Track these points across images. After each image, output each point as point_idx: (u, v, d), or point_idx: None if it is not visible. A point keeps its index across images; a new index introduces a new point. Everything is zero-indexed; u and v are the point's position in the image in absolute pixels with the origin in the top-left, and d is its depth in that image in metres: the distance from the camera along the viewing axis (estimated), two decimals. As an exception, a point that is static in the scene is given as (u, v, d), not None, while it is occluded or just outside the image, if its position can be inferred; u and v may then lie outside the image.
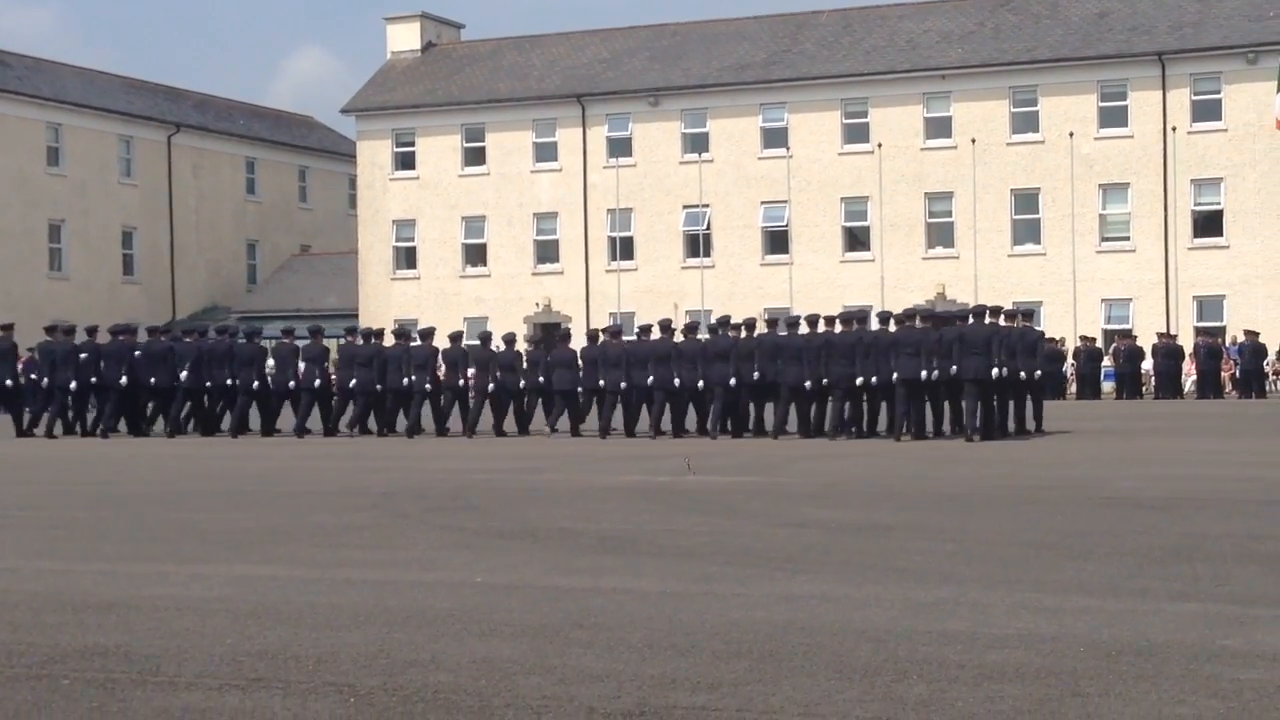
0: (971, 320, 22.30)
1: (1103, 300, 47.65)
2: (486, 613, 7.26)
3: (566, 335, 27.01)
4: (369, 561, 9.28)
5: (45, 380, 26.14)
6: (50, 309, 55.84)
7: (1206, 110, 47.13)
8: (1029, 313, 24.02)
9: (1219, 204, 47.03)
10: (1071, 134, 47.73)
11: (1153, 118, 47.35)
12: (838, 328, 23.35)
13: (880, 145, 49.34)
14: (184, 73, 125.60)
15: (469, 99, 54.14)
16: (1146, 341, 43.81)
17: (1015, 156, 48.38)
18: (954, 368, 21.86)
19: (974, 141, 48.43)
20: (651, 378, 24.09)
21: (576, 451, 21.13)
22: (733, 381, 23.48)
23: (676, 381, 23.90)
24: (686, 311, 50.74)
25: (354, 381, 25.96)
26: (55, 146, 56.38)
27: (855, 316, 23.72)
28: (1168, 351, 42.10)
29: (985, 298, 47.22)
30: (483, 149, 54.04)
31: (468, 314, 52.51)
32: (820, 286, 49.70)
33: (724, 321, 24.85)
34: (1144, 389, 43.02)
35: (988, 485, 14.29)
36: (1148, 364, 42.96)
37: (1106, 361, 43.94)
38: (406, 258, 55.13)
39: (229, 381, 26.02)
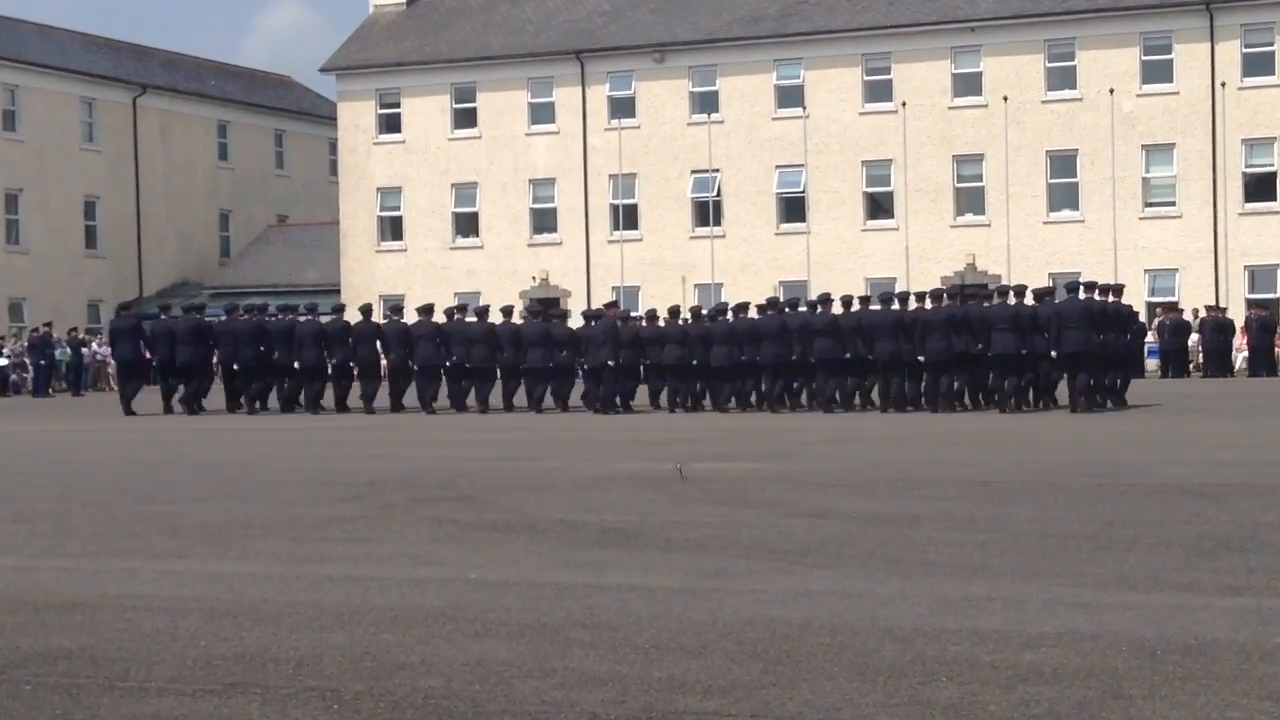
0: (1068, 295, 24.91)
1: (1146, 271, 47.61)
2: (480, 611, 7.27)
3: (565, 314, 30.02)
4: (353, 556, 9.29)
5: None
6: (6, 285, 55.92)
7: (1258, 64, 47.01)
8: (1120, 288, 27.48)
9: (1272, 165, 46.93)
10: (1112, 91, 47.64)
11: (1200, 72, 47.24)
12: (928, 304, 25.76)
13: (904, 104, 49.26)
14: (151, 29, 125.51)
15: (459, 56, 54.09)
16: (1193, 315, 43.77)
17: (1051, 116, 48.28)
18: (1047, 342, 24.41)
19: (1006, 100, 48.34)
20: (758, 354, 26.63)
21: (576, 436, 21.15)
22: (848, 355, 25.90)
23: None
24: (695, 285, 50.74)
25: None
26: (11, 110, 56.36)
27: (947, 292, 26.47)
28: (1217, 325, 42.05)
29: (1018, 269, 47.19)
30: (474, 110, 53.99)
31: (458, 288, 52.48)
32: (840, 257, 49.68)
33: (825, 298, 27.45)
34: (1191, 366, 42.99)
35: (1022, 470, 14.28)
36: (1195, 339, 42.92)
37: (1150, 337, 43.89)
38: (392, 228, 55.14)
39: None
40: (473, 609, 7.34)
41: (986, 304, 25.40)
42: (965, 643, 6.35)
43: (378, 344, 28.60)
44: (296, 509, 11.95)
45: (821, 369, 26.07)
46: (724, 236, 51.05)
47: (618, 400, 27.51)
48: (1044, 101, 48.38)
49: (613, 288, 50.99)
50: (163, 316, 30.55)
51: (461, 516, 11.28)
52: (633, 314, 31.52)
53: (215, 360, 29.40)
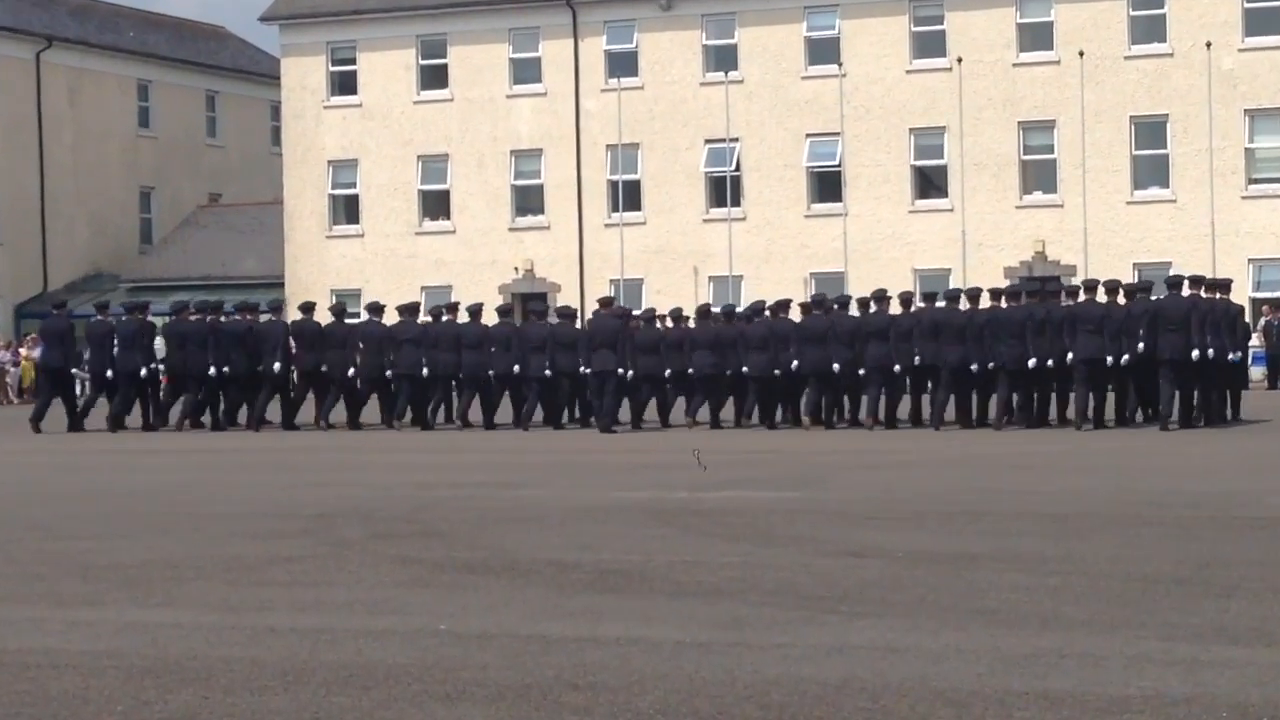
0: (1169, 292, 25.16)
1: (1250, 260, 47.55)
2: (453, 670, 7.27)
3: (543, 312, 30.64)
4: (299, 603, 9.29)
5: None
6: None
7: (1385, 12, 46.97)
8: (1226, 284, 26.92)
9: (1401, 134, 46.90)
10: (1209, 45, 47.61)
11: (1315, 22, 47.23)
12: (1003, 302, 26.20)
13: (960, 60, 49.24)
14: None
15: (426, 3, 54.09)
16: (1307, 313, 43.71)
17: (1135, 74, 48.23)
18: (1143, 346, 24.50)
19: (1082, 55, 48.30)
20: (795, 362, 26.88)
21: (569, 459, 21.14)
22: (896, 368, 26.29)
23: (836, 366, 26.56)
24: (710, 277, 50.72)
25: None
26: (-110, 67, 56.35)
27: (1023, 290, 26.81)
28: (1336, 326, 41.95)
29: (1097, 257, 47.16)
30: (444, 68, 53.95)
31: (426, 282, 52.44)
32: (883, 244, 49.64)
33: (881, 295, 27.38)
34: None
35: (1103, 500, 14.27)
36: (1310, 342, 42.84)
37: (1255, 340, 43.80)
38: (346, 209, 55.08)
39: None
40: (443, 667, 7.34)
41: (1071, 302, 25.70)
42: (1034, 708, 6.35)
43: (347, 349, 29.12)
44: (233, 546, 11.93)
45: (874, 378, 26.40)
46: (744, 219, 51.00)
47: (626, 416, 27.99)
48: (1127, 57, 48.32)
49: (610, 281, 50.93)
50: (97, 317, 30.65)
51: (430, 555, 11.27)
52: (634, 313, 31.61)
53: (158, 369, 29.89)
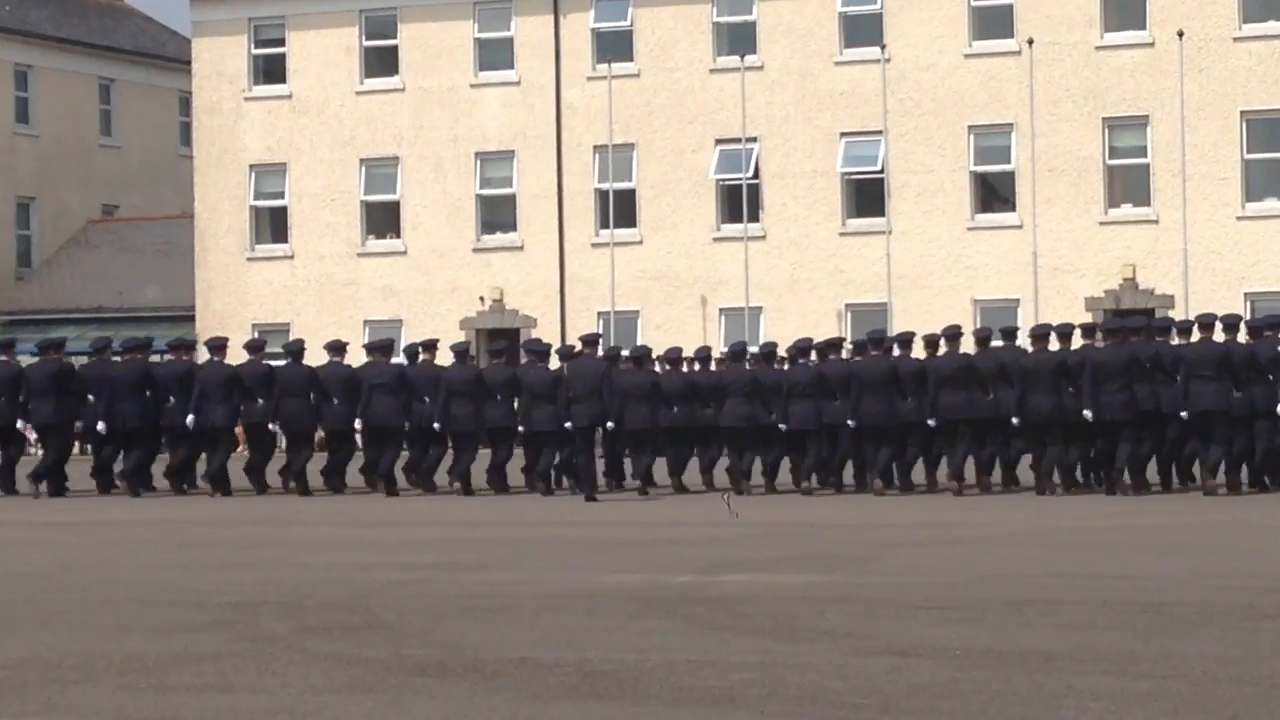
0: None
1: (1389, 289, 47.65)
2: (405, 796, 7.23)
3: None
4: (212, 712, 9.25)
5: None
6: None
7: None
8: None
9: None
10: (1338, 23, 47.81)
11: None
12: (1099, 340, 27.18)
13: (1031, 42, 49.37)
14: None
15: (372, -30, 54.27)
16: None
17: (1248, 59, 48.36)
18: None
19: (1181, 36, 48.45)
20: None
21: (547, 534, 21.09)
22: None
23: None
24: (721, 309, 50.73)
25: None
26: None
27: (1126, 326, 27.88)
28: None
29: (1201, 286, 47.16)
30: (394, 51, 54.04)
31: (370, 315, 52.44)
32: (937, 268, 49.64)
33: (955, 332, 28.38)
34: None
35: (1210, 586, 14.23)
36: None
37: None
38: (272, 225, 55.13)
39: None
40: (393, 792, 7.31)
41: (1181, 341, 26.46)
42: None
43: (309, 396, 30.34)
44: (129, 642, 11.88)
45: (948, 432, 27.30)
46: (764, 238, 51.06)
47: (632, 478, 28.83)
48: (1237, 39, 48.47)
49: (598, 314, 50.97)
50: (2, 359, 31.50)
51: (375, 653, 11.25)
52: (623, 353, 32.09)
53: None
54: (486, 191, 53.57)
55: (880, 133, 50.30)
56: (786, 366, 28.90)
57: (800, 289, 50.27)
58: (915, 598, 13.87)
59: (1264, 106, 48.33)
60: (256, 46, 55.25)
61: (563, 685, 9.88)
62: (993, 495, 26.63)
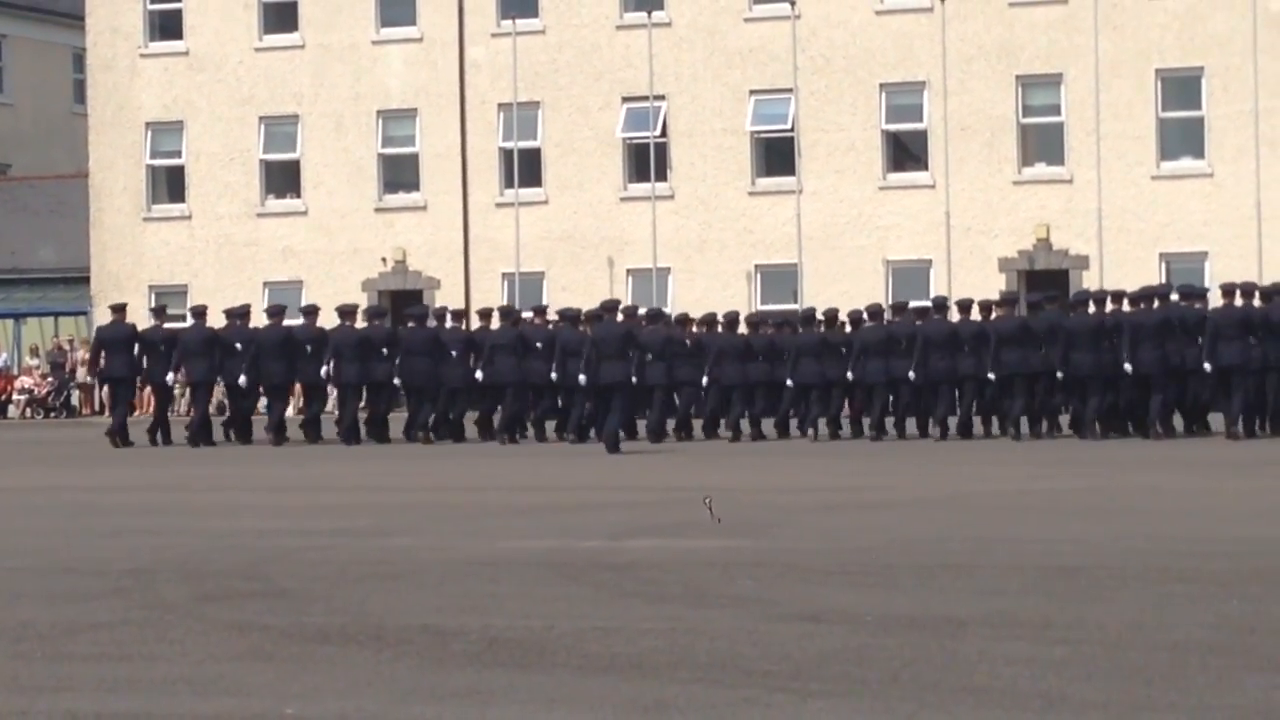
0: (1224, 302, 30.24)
1: (1306, 250, 47.97)
2: (305, 765, 7.21)
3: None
4: (109, 683, 9.21)
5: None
6: None
7: None
8: None
9: None
10: (1254, -20, 48.01)
11: (1383, -47, 47.69)
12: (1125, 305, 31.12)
13: (943, -2, 49.50)
14: None
15: (270, -77, 53.96)
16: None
17: (1163, 16, 48.54)
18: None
19: (1095, -8, 48.64)
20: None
21: (457, 498, 21.05)
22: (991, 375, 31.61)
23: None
24: (629, 270, 50.72)
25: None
26: None
27: (1094, 297, 32.41)
28: None
29: (1115, 246, 47.40)
30: (293, 6, 53.74)
31: (270, 276, 52.26)
32: (848, 228, 49.72)
33: (941, 302, 34.29)
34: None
35: (1123, 550, 14.31)
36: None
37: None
38: (169, 185, 54.82)
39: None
40: (293, 762, 7.28)
41: (1130, 309, 30.78)
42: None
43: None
44: (22, 610, 11.83)
45: (936, 389, 32.02)
46: (671, 198, 51.05)
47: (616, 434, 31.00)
48: (1152, -5, 48.67)
49: (503, 274, 50.90)
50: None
51: (274, 621, 11.21)
52: (523, 313, 35.76)
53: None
54: (389, 150, 53.42)
55: (790, 91, 50.33)
56: (849, 328, 33.29)
57: (709, 250, 50.28)
58: (827, 563, 13.86)
59: (1179, 64, 48.53)
60: (152, 1, 54.88)
61: (467, 653, 9.85)
62: (991, 444, 30.51)
